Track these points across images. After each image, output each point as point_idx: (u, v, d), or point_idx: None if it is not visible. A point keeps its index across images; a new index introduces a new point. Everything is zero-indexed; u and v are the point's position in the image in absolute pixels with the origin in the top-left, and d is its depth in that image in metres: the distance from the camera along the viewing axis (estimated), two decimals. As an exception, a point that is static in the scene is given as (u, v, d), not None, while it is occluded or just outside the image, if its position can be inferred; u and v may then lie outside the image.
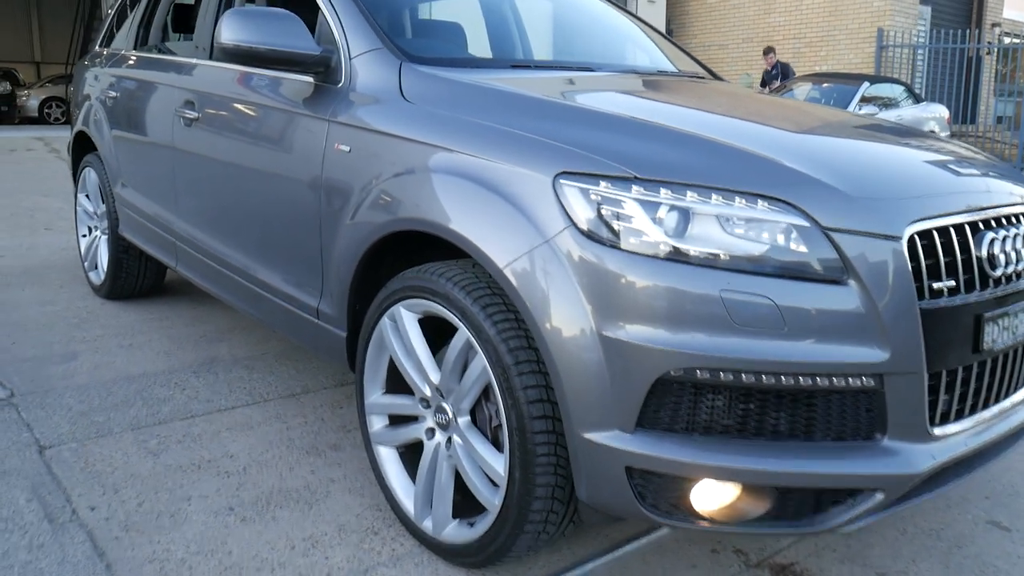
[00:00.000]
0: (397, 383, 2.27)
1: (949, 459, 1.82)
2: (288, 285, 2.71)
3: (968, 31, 15.15)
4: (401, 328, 2.16)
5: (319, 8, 2.70)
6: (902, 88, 13.21)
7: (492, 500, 1.97)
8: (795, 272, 1.70)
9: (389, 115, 2.29)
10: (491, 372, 1.90)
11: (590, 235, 1.76)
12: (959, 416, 1.90)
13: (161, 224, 3.62)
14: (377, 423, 2.34)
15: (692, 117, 2.27)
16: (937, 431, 1.82)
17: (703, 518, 1.77)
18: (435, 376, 2.10)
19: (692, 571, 2.18)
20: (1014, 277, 1.96)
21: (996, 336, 1.89)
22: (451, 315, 1.99)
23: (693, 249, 1.71)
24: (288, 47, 2.47)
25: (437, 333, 2.14)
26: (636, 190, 1.76)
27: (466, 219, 1.94)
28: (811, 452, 1.73)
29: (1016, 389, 2.08)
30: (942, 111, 13.04)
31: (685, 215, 1.74)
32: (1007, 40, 17.31)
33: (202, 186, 3.21)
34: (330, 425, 2.99)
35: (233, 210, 2.99)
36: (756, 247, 1.71)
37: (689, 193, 1.74)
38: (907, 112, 12.32)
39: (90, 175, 4.51)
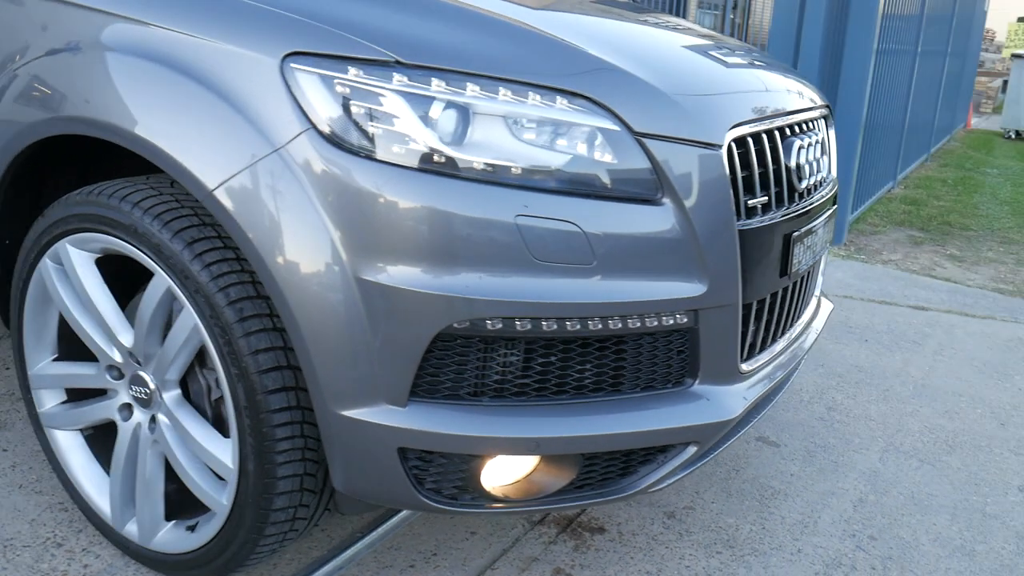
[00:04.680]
0: (73, 345, 1.67)
1: (759, 397, 1.61)
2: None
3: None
4: (70, 272, 1.55)
5: None
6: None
7: (218, 499, 1.48)
8: (603, 190, 1.35)
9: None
10: (205, 332, 1.38)
11: (336, 141, 1.28)
12: (762, 348, 1.69)
13: None
14: (49, 400, 1.72)
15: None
16: (745, 367, 1.60)
17: (496, 499, 1.42)
18: (127, 337, 1.53)
19: (471, 540, 1.85)
20: (813, 190, 1.77)
21: (801, 257, 1.69)
22: (142, 255, 1.42)
23: (477, 160, 1.29)
24: None
25: (125, 272, 1.57)
26: (399, 80, 1.29)
27: (160, 121, 1.36)
28: (620, 408, 1.43)
29: (802, 312, 1.93)
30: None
31: (464, 115, 1.31)
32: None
33: None
34: (-9, 393, 2.28)
35: None
36: (555, 157, 1.33)
37: (470, 86, 1.31)
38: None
39: None
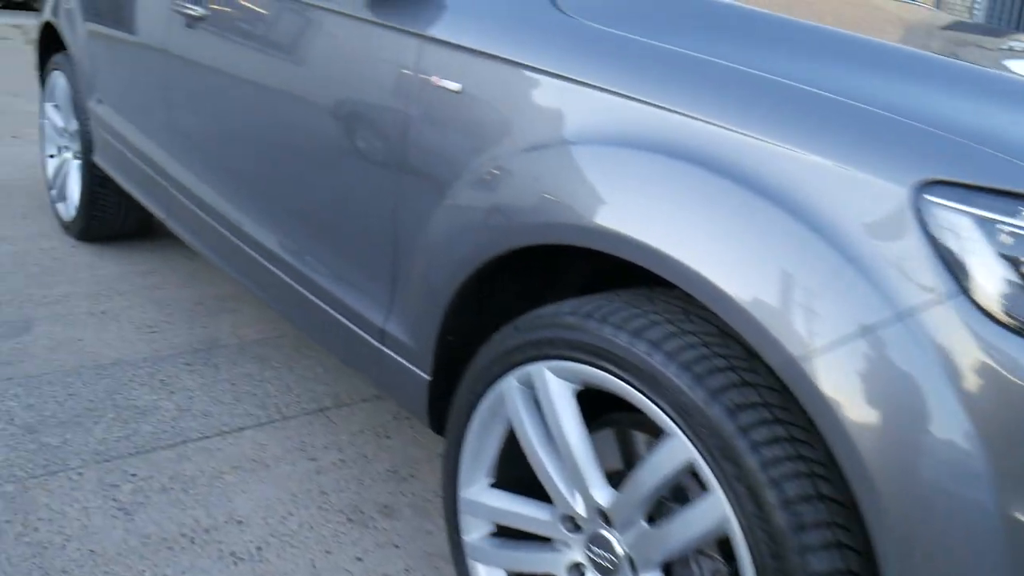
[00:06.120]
0: (515, 474, 1.43)
1: None
2: (334, 283, 1.81)
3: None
4: (544, 403, 1.29)
5: None
6: None
7: None
8: None
9: (540, 35, 1.36)
10: (740, 533, 1.04)
11: (997, 314, 0.89)
12: None
13: (148, 160, 2.69)
14: (476, 530, 1.49)
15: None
16: None
17: None
18: (602, 494, 1.24)
19: None
20: None
21: None
22: (658, 410, 1.12)
23: None
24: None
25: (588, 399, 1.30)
26: (1103, 232, 0.88)
27: (719, 253, 1.05)
28: None
29: None
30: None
31: None
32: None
33: (209, 116, 2.28)
34: (376, 468, 2.15)
35: (253, 158, 2.08)
36: None
37: None
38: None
39: (59, 81, 3.54)
